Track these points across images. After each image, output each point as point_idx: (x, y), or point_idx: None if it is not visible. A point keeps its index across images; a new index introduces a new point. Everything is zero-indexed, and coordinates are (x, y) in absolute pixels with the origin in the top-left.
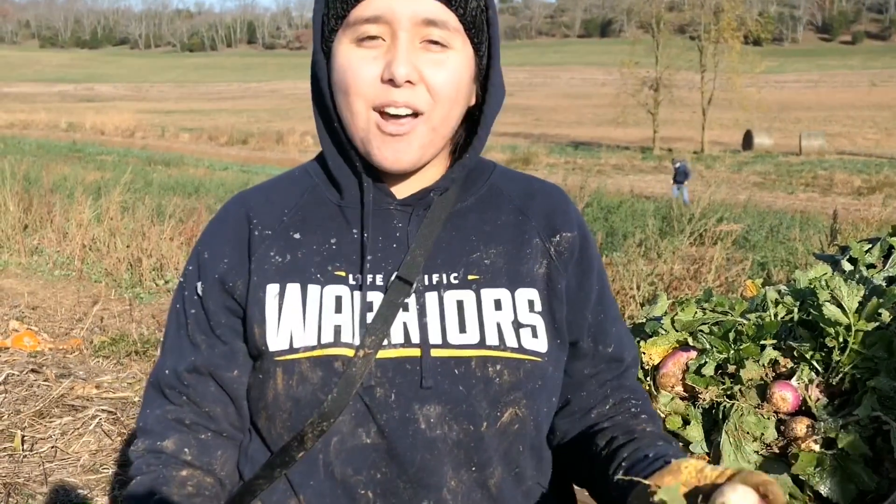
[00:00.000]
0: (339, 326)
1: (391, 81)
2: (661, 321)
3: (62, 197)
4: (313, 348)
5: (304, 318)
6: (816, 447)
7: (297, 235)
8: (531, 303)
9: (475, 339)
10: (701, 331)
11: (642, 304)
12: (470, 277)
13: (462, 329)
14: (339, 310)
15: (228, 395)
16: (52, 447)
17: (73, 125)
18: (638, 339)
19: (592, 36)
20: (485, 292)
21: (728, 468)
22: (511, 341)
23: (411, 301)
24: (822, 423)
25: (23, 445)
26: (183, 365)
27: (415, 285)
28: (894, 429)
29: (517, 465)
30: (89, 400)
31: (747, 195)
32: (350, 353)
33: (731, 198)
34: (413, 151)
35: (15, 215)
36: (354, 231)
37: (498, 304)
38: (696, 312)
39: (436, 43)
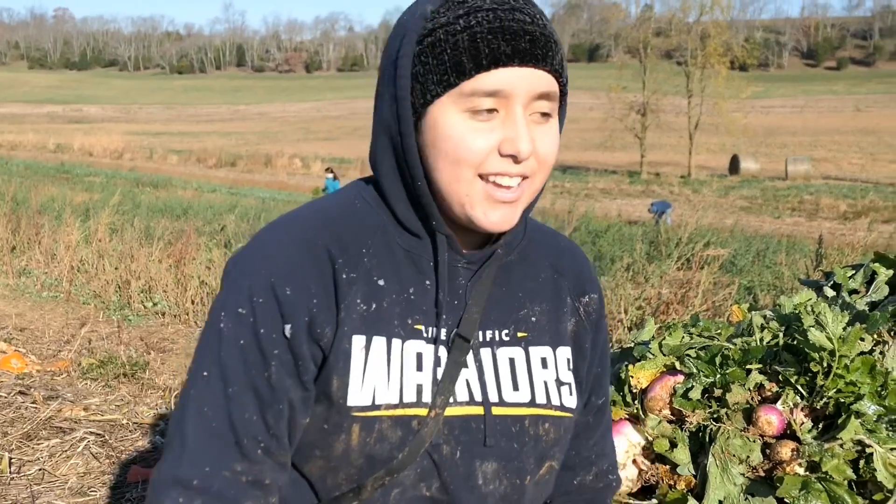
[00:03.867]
0: (421, 386)
1: (512, 157)
2: (649, 346)
3: (50, 218)
4: (395, 406)
5: (388, 375)
6: (801, 470)
7: (381, 282)
8: (568, 361)
9: (527, 398)
10: (688, 355)
11: (630, 329)
12: (519, 335)
13: (515, 387)
14: (420, 367)
15: (292, 441)
16: (40, 469)
17: (61, 146)
18: (626, 363)
19: (580, 60)
20: (532, 350)
21: None
22: (556, 400)
23: (469, 358)
24: (806, 447)
25: (10, 468)
26: (269, 412)
27: (473, 340)
28: (877, 452)
29: None
30: (77, 422)
31: (734, 220)
32: (425, 412)
33: (718, 222)
34: (517, 214)
35: (2, 236)
36: (427, 283)
37: (544, 363)
38: (683, 337)
39: (543, 113)
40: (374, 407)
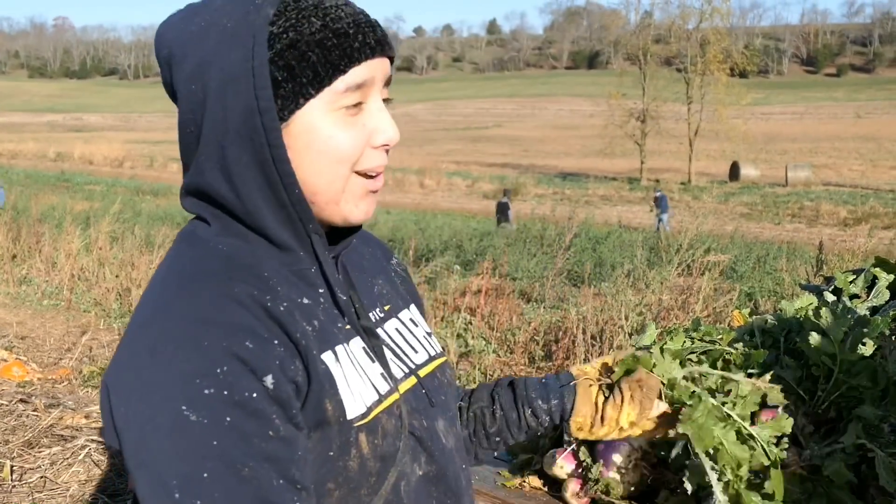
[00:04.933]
0: (383, 374)
1: (384, 146)
2: (651, 350)
3: (51, 227)
4: (380, 401)
5: (360, 376)
6: (803, 474)
7: (304, 301)
8: (422, 315)
9: (426, 355)
10: (690, 359)
11: (630, 334)
12: (385, 308)
13: (415, 350)
14: (372, 360)
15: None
16: (41, 477)
17: (61, 155)
18: None
19: (580, 67)
20: (401, 315)
21: (605, 356)
22: (438, 348)
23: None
24: (808, 451)
25: (11, 475)
26: (293, 468)
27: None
28: (879, 456)
29: None
30: (78, 430)
31: (734, 226)
32: (397, 396)
33: (719, 228)
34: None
35: (3, 245)
36: (321, 290)
37: (413, 322)
38: (684, 342)
39: (387, 99)
40: (368, 410)
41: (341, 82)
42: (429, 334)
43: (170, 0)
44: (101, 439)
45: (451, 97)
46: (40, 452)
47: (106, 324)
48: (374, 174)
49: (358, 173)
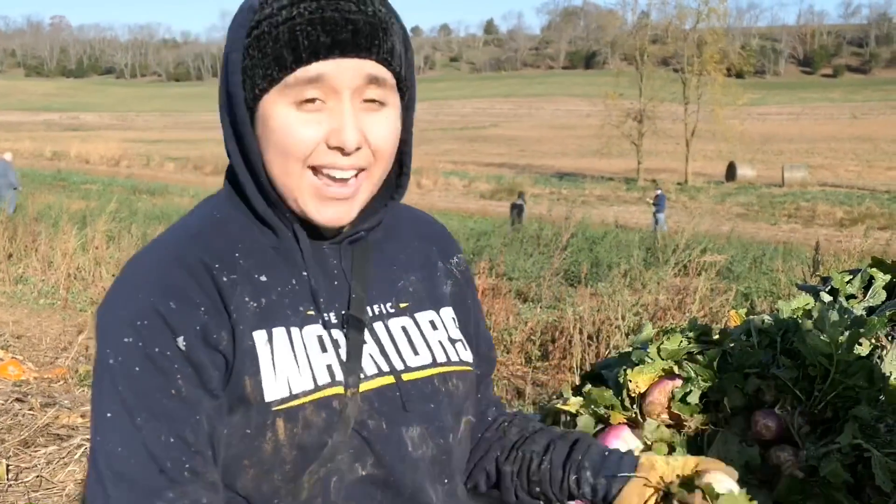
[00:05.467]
0: (330, 366)
1: (339, 149)
2: (647, 350)
3: (47, 226)
4: (312, 391)
5: (297, 363)
6: (799, 475)
7: (262, 278)
8: (454, 319)
9: (428, 360)
10: (686, 359)
11: (627, 334)
12: (402, 305)
13: (415, 352)
14: (324, 349)
15: (215, 455)
16: (38, 476)
17: (57, 154)
18: (624, 367)
19: (577, 68)
20: (418, 316)
21: (689, 457)
22: (454, 356)
23: (366, 335)
24: (804, 451)
25: (7, 475)
26: (186, 429)
27: (365, 318)
28: (875, 456)
29: (461, 471)
30: (74, 429)
31: (731, 226)
32: (342, 390)
33: (715, 229)
34: (355, 211)
35: None
36: (304, 273)
37: (433, 325)
38: (681, 341)
39: (374, 101)
40: (292, 397)
41: (290, 78)
42: (452, 341)
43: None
44: None
45: (449, 97)
46: (36, 451)
47: None
48: (332, 176)
49: (314, 171)
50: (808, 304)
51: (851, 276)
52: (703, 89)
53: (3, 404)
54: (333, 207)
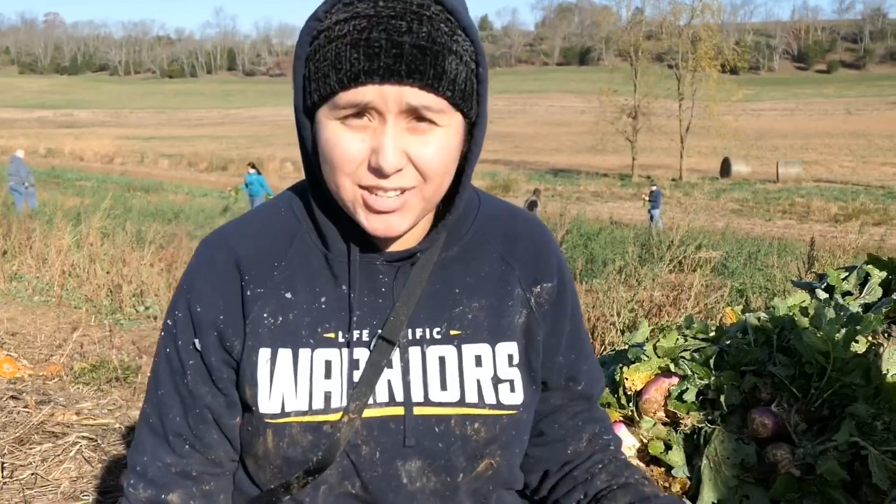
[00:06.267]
0: (330, 393)
1: (378, 171)
2: (644, 347)
3: (41, 223)
4: (304, 413)
5: (296, 384)
6: (796, 472)
7: (288, 295)
8: (510, 357)
9: (455, 397)
10: (682, 357)
11: (622, 331)
12: (452, 333)
13: (443, 386)
14: (328, 375)
15: (229, 437)
16: (33, 474)
17: (52, 151)
18: (620, 365)
19: (571, 64)
20: (466, 348)
21: None
22: (490, 398)
23: (395, 356)
24: (801, 449)
25: (2, 472)
26: (190, 415)
27: (399, 341)
28: (872, 454)
29: (485, 497)
30: (69, 426)
31: (725, 222)
32: (338, 416)
33: (710, 225)
34: (406, 223)
35: None
36: (343, 287)
37: (479, 361)
38: (677, 339)
39: (423, 120)
40: (283, 414)
41: (336, 98)
42: (497, 381)
43: None
44: (92, 436)
45: None
46: (31, 449)
47: (97, 320)
48: (377, 194)
49: (361, 187)
50: (804, 301)
51: (847, 273)
52: (698, 85)
53: None
54: (382, 218)
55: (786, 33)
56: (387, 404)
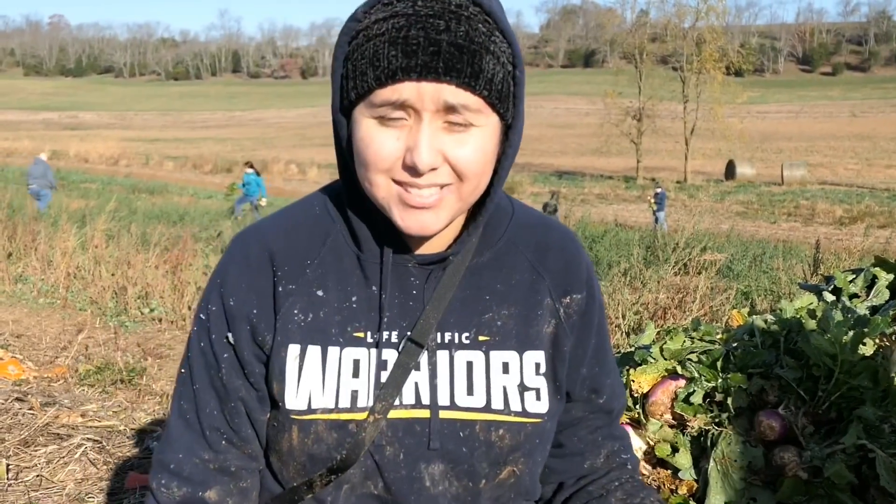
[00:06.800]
0: (356, 392)
1: (413, 169)
2: (650, 350)
3: (46, 225)
4: (331, 411)
5: (324, 382)
6: (803, 475)
7: (319, 293)
8: (537, 366)
9: (481, 403)
10: (689, 359)
11: (628, 334)
12: (481, 338)
13: (470, 391)
14: (356, 374)
15: (258, 433)
16: (38, 476)
17: (56, 153)
18: (627, 367)
19: (576, 66)
20: (494, 355)
21: None
22: (515, 405)
23: (423, 359)
24: (808, 452)
25: (7, 474)
26: (226, 408)
27: (428, 344)
28: (880, 457)
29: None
30: (74, 428)
31: (730, 224)
32: (364, 416)
33: (715, 227)
34: (440, 222)
35: None
36: (374, 287)
37: (506, 368)
38: (684, 341)
39: (459, 123)
40: (310, 411)
41: (373, 96)
42: (523, 389)
43: None
44: (97, 438)
45: None
46: (36, 451)
47: (102, 322)
48: (411, 192)
49: (396, 182)
50: (811, 303)
51: (854, 276)
52: (703, 87)
53: (2, 403)
54: (416, 215)
55: (790, 36)
56: (413, 406)
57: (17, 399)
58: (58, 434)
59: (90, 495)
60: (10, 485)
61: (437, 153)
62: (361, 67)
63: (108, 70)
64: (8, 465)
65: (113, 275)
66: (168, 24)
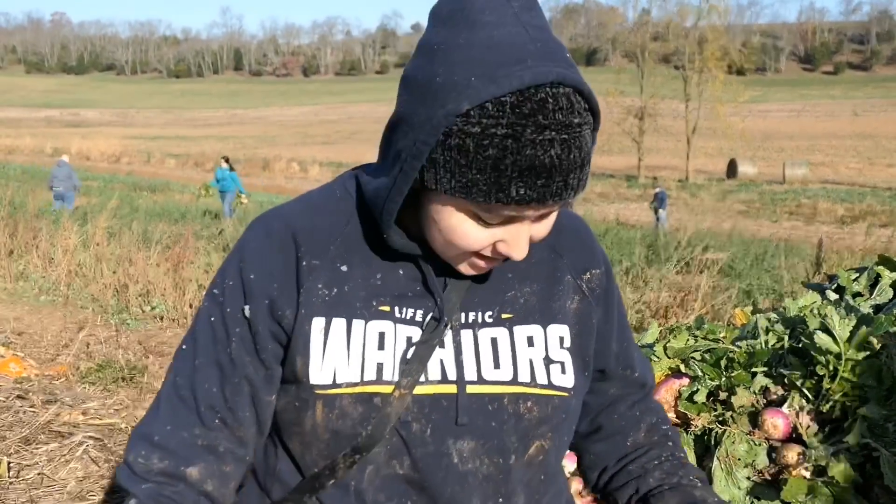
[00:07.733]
0: (382, 364)
1: (502, 257)
2: (654, 348)
3: (48, 222)
4: (356, 384)
5: (349, 354)
6: (807, 474)
7: (343, 268)
8: (562, 339)
9: (508, 376)
10: (693, 358)
11: None
12: (504, 316)
13: (496, 365)
14: (381, 346)
15: (259, 418)
16: (39, 474)
17: (58, 150)
18: None
19: (578, 64)
20: (517, 329)
21: None
22: (542, 378)
23: (448, 338)
24: (812, 451)
25: (9, 472)
26: (228, 386)
27: (452, 323)
28: (884, 456)
29: (537, 492)
30: (76, 426)
31: (732, 223)
32: (389, 389)
33: (716, 226)
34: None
35: (0, 240)
36: (400, 271)
37: (530, 341)
38: (687, 340)
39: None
40: (334, 385)
41: (489, 207)
42: (549, 361)
43: None
44: (98, 436)
45: None
46: (38, 449)
47: (103, 320)
48: (486, 260)
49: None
50: (814, 302)
51: (858, 274)
52: (704, 86)
53: (4, 401)
54: (474, 269)
55: (792, 35)
56: (439, 382)
57: (19, 397)
58: (59, 432)
59: (91, 493)
60: (11, 483)
61: (527, 248)
62: (473, 181)
63: (109, 67)
64: (9, 463)
65: (114, 272)
66: (170, 21)
